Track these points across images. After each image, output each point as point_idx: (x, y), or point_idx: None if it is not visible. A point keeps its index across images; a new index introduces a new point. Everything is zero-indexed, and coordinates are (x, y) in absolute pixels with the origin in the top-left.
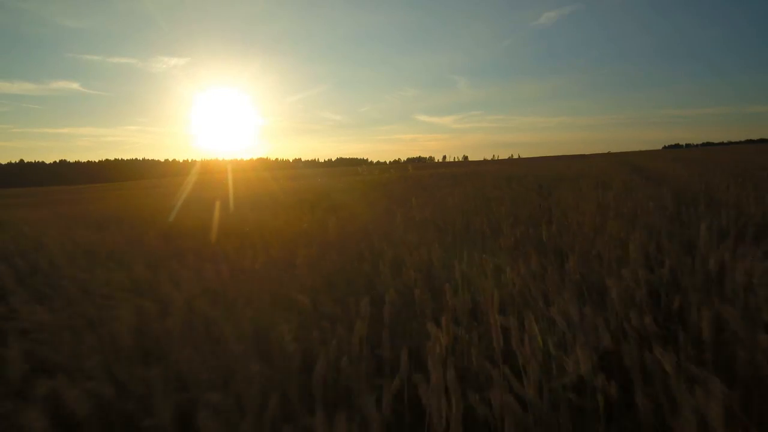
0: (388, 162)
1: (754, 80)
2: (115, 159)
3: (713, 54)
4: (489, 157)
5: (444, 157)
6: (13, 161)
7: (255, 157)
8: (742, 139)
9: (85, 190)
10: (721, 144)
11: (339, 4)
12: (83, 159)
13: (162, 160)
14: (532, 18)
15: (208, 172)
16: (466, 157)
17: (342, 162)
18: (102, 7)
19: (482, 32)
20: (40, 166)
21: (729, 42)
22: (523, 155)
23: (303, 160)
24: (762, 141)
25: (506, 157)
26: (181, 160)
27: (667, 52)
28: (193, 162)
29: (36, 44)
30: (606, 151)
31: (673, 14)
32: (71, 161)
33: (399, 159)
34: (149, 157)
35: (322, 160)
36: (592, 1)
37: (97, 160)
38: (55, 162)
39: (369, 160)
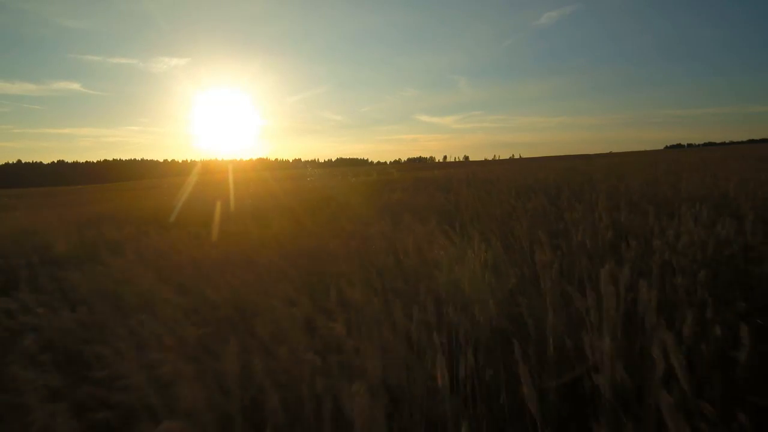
0: (388, 162)
1: (756, 80)
2: (114, 159)
3: (714, 54)
4: (490, 157)
5: (445, 157)
6: (10, 162)
7: (255, 157)
8: (744, 138)
9: (86, 191)
10: (723, 144)
11: (339, 4)
12: (82, 159)
13: (161, 160)
14: (533, 18)
15: (208, 172)
16: (467, 157)
17: (342, 162)
18: (103, 8)
19: (483, 32)
20: (37, 166)
21: (730, 42)
22: (524, 155)
23: (303, 160)
24: (764, 141)
25: (507, 157)
26: (180, 161)
27: (667, 52)
28: (192, 162)
29: (37, 45)
30: (608, 151)
31: (674, 14)
32: (69, 161)
33: (399, 159)
34: (151, 157)
35: (322, 161)
36: (593, 0)
37: (95, 161)
38: (53, 162)
39: (369, 161)
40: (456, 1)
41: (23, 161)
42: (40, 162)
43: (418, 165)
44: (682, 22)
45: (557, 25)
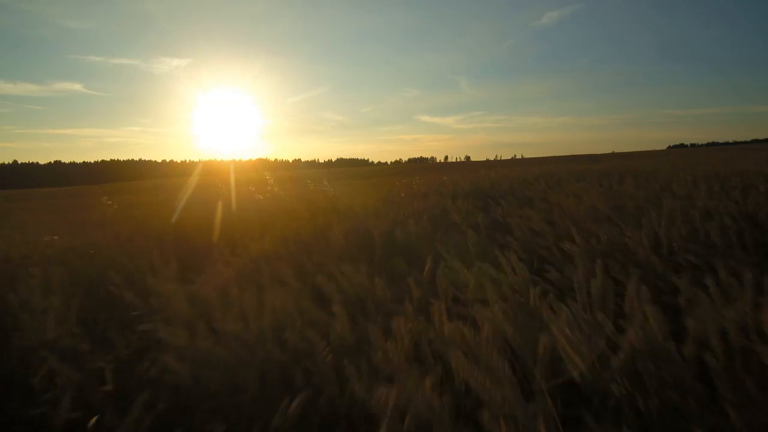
0: (389, 162)
1: (758, 80)
2: (112, 160)
3: (716, 53)
4: (491, 158)
5: (446, 157)
6: (6, 162)
7: (254, 157)
8: (748, 138)
9: (77, 192)
10: (726, 144)
11: (340, 5)
12: (80, 160)
13: (159, 160)
14: (534, 18)
15: (207, 173)
16: (468, 158)
17: (342, 163)
18: (104, 9)
19: (484, 32)
20: (34, 167)
21: (732, 41)
22: (526, 155)
23: (303, 160)
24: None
25: (509, 158)
26: (179, 161)
27: (669, 52)
28: (191, 163)
29: (38, 45)
30: (610, 151)
31: (676, 13)
32: (66, 162)
33: (400, 159)
34: (151, 157)
35: (323, 161)
36: (594, 0)
37: (92, 161)
38: (49, 163)
39: (370, 161)
40: (456, 1)
41: (19, 162)
42: (37, 162)
43: (417, 165)
44: (682, 22)
45: (558, 25)
